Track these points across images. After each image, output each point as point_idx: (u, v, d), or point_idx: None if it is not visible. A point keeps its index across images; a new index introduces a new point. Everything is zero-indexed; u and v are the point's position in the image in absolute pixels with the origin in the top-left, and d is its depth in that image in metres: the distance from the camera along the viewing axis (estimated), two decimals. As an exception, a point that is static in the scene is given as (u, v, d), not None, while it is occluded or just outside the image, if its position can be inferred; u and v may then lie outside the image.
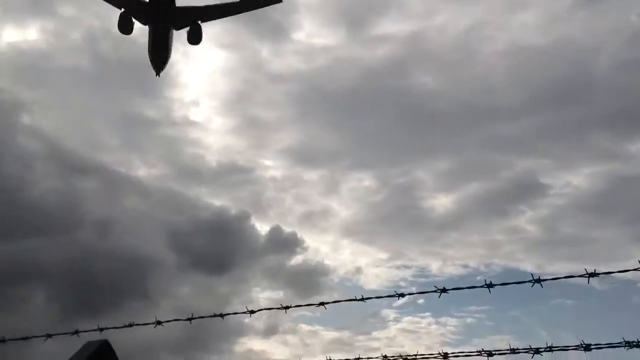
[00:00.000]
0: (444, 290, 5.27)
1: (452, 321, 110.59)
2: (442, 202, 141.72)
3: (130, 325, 5.61)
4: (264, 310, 5.72)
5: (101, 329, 5.90)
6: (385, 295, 5.33)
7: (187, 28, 50.67)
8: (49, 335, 6.04)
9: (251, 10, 51.04)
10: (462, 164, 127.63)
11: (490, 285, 4.90)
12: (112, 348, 3.24)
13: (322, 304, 5.41)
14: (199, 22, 50.38)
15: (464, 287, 5.02)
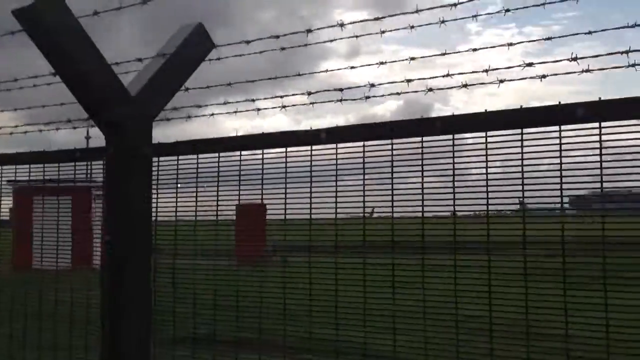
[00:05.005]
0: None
1: (536, 30, 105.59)
2: None
3: None
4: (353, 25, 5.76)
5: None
6: None
7: None
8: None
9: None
10: None
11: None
12: (206, 31, 3.22)
13: None
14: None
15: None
